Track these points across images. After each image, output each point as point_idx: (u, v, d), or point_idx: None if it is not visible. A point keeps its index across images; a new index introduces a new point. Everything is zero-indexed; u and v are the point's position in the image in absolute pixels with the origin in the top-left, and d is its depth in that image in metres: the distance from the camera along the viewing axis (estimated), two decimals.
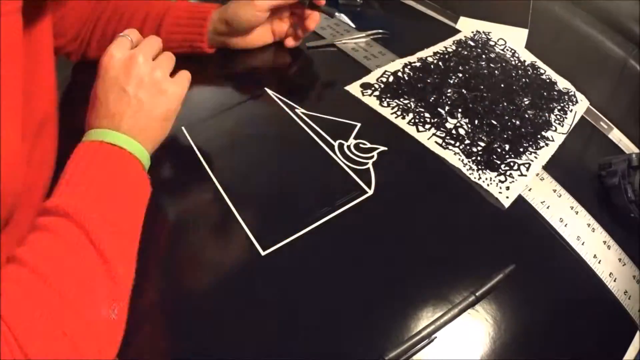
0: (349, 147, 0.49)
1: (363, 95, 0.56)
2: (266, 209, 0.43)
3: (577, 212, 0.45)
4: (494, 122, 0.52)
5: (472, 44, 0.66)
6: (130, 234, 0.35)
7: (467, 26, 0.68)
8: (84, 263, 0.31)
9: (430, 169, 0.48)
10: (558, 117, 0.55)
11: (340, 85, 0.58)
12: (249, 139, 0.51)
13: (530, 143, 0.51)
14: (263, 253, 0.40)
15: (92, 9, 0.57)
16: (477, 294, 0.37)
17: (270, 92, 0.57)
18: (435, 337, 0.35)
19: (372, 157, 0.48)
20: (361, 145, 0.49)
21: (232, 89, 0.58)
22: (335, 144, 0.50)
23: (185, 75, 0.43)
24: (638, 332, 0.38)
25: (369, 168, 0.47)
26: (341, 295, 0.38)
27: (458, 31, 0.69)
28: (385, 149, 0.49)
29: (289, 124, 0.52)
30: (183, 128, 0.51)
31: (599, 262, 0.42)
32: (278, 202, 0.44)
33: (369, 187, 0.45)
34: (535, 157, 0.49)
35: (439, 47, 0.65)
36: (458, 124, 0.52)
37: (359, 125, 0.52)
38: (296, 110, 0.54)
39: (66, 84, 0.58)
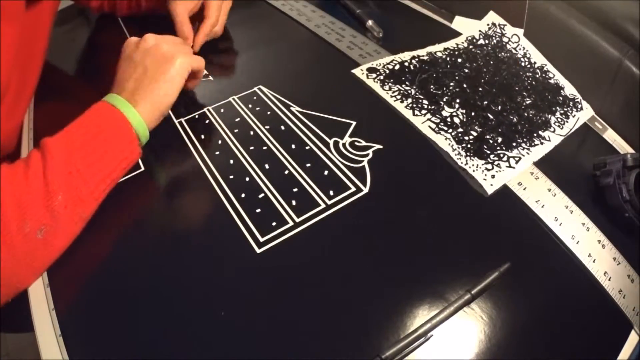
0: (344, 145, 0.49)
1: (367, 78, 0.57)
2: (261, 206, 0.43)
3: (571, 212, 0.45)
4: (490, 116, 0.52)
5: (484, 42, 0.65)
6: (90, 182, 0.39)
7: (463, 26, 0.68)
8: (27, 181, 0.36)
9: (426, 168, 0.48)
10: (559, 119, 0.54)
11: (335, 84, 0.58)
12: (244, 135, 0.50)
13: (525, 140, 0.51)
14: (258, 251, 0.40)
15: None
16: (472, 292, 0.37)
17: (265, 89, 0.56)
18: (432, 335, 0.35)
19: (368, 155, 0.48)
20: (357, 143, 0.49)
21: (225, 85, 0.58)
22: (331, 142, 0.49)
23: (188, 49, 0.50)
24: (633, 331, 0.38)
25: (364, 166, 0.47)
26: (337, 294, 0.37)
27: (453, 30, 0.68)
28: (381, 147, 0.49)
29: (283, 121, 0.52)
30: (177, 122, 0.51)
31: (594, 261, 0.42)
32: (273, 200, 0.44)
33: (365, 185, 0.45)
34: (528, 153, 0.49)
35: (450, 43, 0.65)
36: (454, 113, 0.53)
37: (354, 123, 0.51)
38: (291, 108, 0.54)
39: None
